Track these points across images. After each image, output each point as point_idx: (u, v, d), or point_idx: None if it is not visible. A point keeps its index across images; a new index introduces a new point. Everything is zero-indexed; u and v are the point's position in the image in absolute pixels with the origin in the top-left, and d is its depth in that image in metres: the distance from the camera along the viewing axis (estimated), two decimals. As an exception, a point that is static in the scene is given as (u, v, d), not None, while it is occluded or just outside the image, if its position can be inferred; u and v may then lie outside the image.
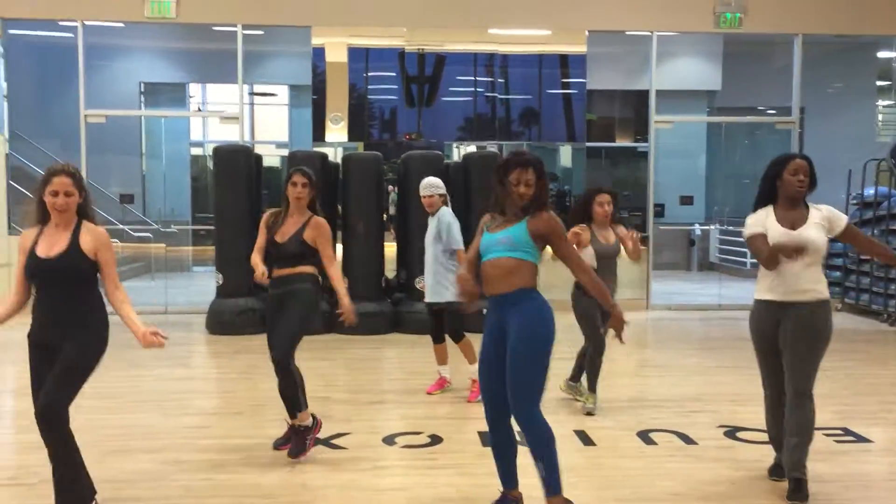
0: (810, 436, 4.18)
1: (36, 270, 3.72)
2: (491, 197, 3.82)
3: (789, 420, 4.18)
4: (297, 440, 4.78)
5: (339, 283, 4.85)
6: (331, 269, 4.82)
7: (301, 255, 4.75)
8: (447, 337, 6.32)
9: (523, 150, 3.84)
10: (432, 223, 6.22)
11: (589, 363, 5.85)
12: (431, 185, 6.27)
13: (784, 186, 4.25)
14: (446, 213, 6.20)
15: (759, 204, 4.38)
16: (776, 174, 4.27)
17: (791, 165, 4.24)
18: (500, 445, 3.84)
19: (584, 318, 5.73)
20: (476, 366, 6.03)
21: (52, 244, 3.72)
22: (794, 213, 4.25)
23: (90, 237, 3.76)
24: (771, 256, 4.10)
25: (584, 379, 5.96)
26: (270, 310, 4.87)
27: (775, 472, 4.44)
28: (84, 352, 3.74)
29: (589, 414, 5.72)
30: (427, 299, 6.31)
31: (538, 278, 3.74)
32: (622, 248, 5.86)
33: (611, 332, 4.54)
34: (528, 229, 3.67)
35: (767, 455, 4.94)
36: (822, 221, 4.21)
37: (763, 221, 4.29)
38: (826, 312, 4.22)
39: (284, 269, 4.78)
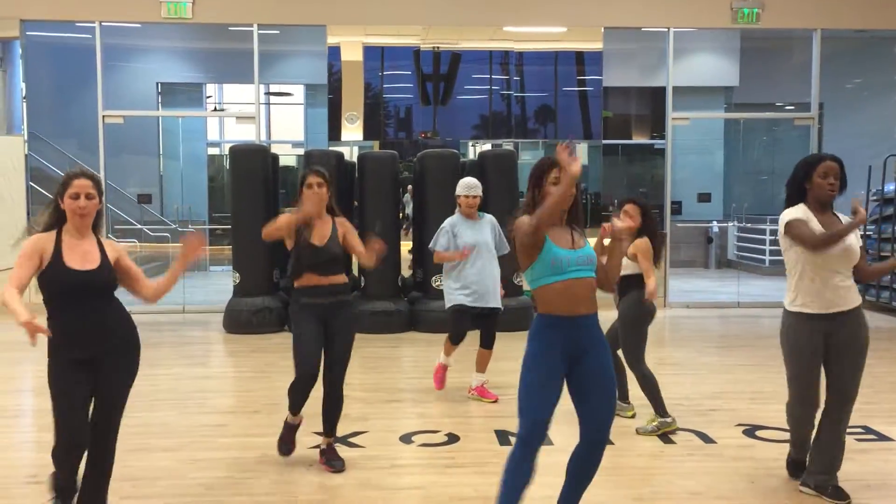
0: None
1: (71, 283, 3.48)
2: (526, 200, 3.57)
3: (834, 427, 4.11)
4: (335, 454, 4.70)
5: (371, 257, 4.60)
6: (363, 259, 4.65)
7: (344, 259, 4.62)
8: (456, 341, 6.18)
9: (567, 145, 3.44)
10: (480, 227, 6.02)
11: (643, 386, 5.32)
12: (475, 184, 6.04)
13: (813, 189, 4.03)
14: (492, 217, 6.16)
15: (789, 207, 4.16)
16: (805, 176, 4.05)
17: (821, 168, 4.01)
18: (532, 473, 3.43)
19: (644, 322, 5.27)
20: (483, 376, 6.13)
21: (83, 255, 3.53)
22: (825, 217, 4.04)
23: (109, 248, 3.67)
24: (829, 238, 3.86)
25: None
26: (314, 319, 4.51)
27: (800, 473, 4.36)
28: (130, 377, 3.76)
29: (650, 433, 5.28)
30: (488, 305, 5.99)
31: None
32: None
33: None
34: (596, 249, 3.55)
35: (786, 453, 4.90)
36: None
37: (804, 212, 4.05)
38: (864, 317, 4.15)
39: (330, 276, 4.53)
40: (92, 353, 3.56)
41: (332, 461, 4.62)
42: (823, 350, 4.06)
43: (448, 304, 6.12)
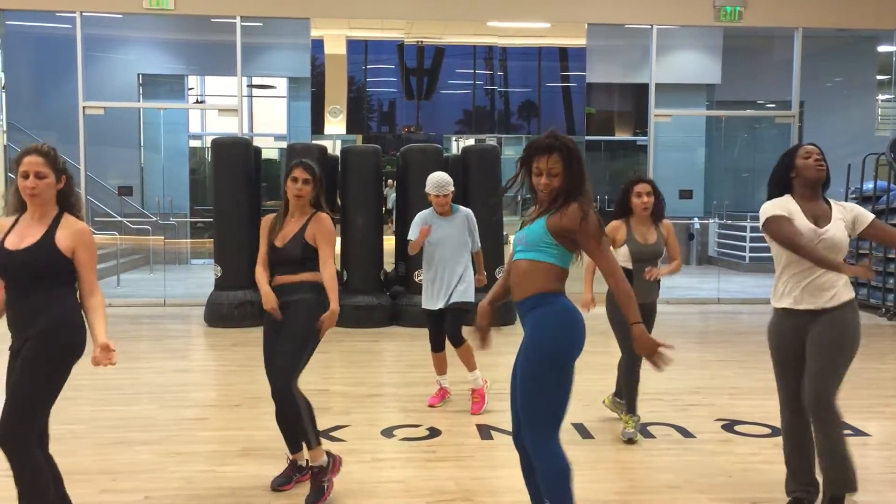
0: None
1: (3, 264, 3.23)
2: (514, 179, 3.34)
3: (818, 437, 3.76)
4: (314, 484, 4.07)
5: (331, 289, 4.08)
6: (323, 271, 4.09)
7: (302, 261, 4.09)
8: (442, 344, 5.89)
9: (551, 132, 3.23)
10: (453, 222, 5.72)
11: (624, 378, 5.09)
12: (445, 182, 5.67)
13: (799, 173, 3.74)
14: (469, 211, 5.83)
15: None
16: (788, 164, 3.78)
17: (802, 150, 3.78)
18: (525, 466, 3.30)
19: (619, 323, 4.85)
20: (477, 373, 5.79)
21: (24, 235, 3.23)
22: (815, 206, 3.74)
23: (68, 232, 3.26)
24: (819, 259, 3.57)
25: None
26: (268, 325, 4.18)
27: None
28: (36, 365, 3.20)
29: (630, 441, 4.98)
30: (455, 300, 5.66)
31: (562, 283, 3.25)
32: (665, 248, 5.08)
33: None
34: (547, 225, 3.15)
35: (763, 447, 4.96)
36: (843, 219, 3.74)
37: (786, 206, 3.74)
38: (852, 315, 3.75)
39: (284, 276, 4.13)
40: (14, 343, 3.27)
41: (309, 495, 4.07)
42: (800, 351, 3.78)
43: None
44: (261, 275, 4.19)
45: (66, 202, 3.34)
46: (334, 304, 4.07)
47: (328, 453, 4.16)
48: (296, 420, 4.05)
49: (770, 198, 3.83)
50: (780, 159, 3.88)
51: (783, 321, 3.82)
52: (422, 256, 5.89)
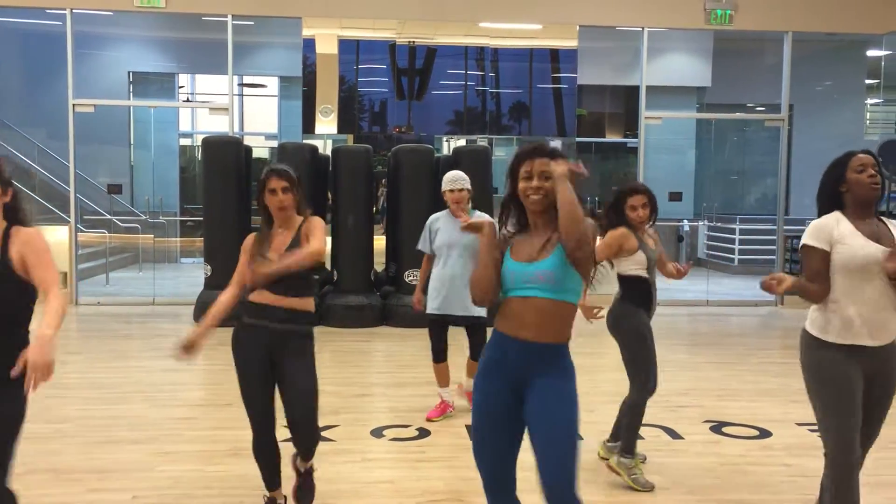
0: None
1: None
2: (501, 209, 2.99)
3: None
4: (307, 484, 3.98)
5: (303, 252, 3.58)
6: (313, 243, 3.61)
7: (303, 277, 3.65)
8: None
9: (539, 143, 2.94)
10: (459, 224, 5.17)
11: (629, 413, 4.48)
12: (459, 177, 5.33)
13: (852, 189, 3.22)
14: (492, 220, 5.32)
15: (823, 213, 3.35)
16: (838, 177, 3.26)
17: (854, 162, 3.23)
18: None
19: (648, 340, 4.45)
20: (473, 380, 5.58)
21: None
22: (868, 226, 3.21)
23: (18, 245, 2.78)
24: (817, 291, 3.19)
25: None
26: (261, 348, 3.71)
27: None
28: (15, 421, 2.83)
29: (650, 488, 4.35)
30: (457, 313, 5.35)
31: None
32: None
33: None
34: (568, 253, 2.74)
35: (751, 449, 4.99)
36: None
37: (831, 232, 3.21)
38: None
39: (286, 296, 3.65)
40: None
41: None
42: (859, 390, 3.22)
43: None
44: (226, 296, 3.77)
45: (15, 217, 2.87)
46: (279, 266, 3.56)
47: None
48: (315, 444, 3.88)
49: (820, 214, 3.33)
50: (829, 169, 3.35)
51: (842, 358, 3.23)
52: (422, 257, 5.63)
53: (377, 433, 5.27)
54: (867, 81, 13.95)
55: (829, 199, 3.30)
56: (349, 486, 4.32)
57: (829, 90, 15.53)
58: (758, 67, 14.31)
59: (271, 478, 3.86)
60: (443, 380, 5.65)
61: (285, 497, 3.93)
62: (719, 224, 15.27)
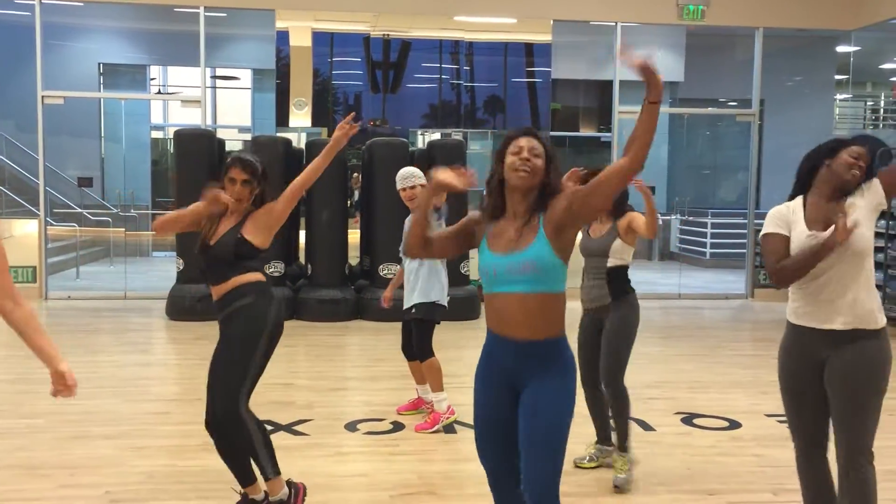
0: None
1: None
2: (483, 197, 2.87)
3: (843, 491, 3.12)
4: None
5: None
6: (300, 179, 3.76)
7: (237, 261, 3.60)
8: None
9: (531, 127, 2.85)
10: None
11: (615, 406, 4.43)
12: (412, 175, 5.24)
13: (834, 171, 3.11)
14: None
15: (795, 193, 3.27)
16: (827, 156, 3.15)
17: (847, 152, 3.12)
18: None
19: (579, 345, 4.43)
20: (442, 395, 5.19)
21: None
22: (833, 207, 3.09)
23: None
24: (793, 267, 3.06)
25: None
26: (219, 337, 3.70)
27: None
28: None
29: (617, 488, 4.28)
30: (414, 300, 5.19)
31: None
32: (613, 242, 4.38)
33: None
34: (548, 237, 2.66)
35: (721, 440, 5.06)
36: (867, 205, 3.10)
37: (787, 217, 3.18)
38: (881, 343, 3.09)
39: (218, 284, 3.63)
40: None
41: None
42: (813, 377, 3.16)
43: None
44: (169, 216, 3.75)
45: None
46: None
47: (289, 483, 3.78)
48: (246, 448, 3.60)
49: (791, 194, 3.28)
50: (816, 152, 3.24)
51: (797, 340, 3.23)
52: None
53: (351, 427, 5.28)
54: (836, 77, 14.12)
55: (802, 181, 3.23)
56: (323, 480, 4.32)
57: (800, 85, 15.71)
58: (729, 63, 14.44)
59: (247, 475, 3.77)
60: (418, 378, 5.49)
61: (265, 493, 3.77)
62: (691, 218, 15.42)
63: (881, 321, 3.11)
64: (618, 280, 4.41)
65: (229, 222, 3.69)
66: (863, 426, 3.07)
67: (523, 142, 2.73)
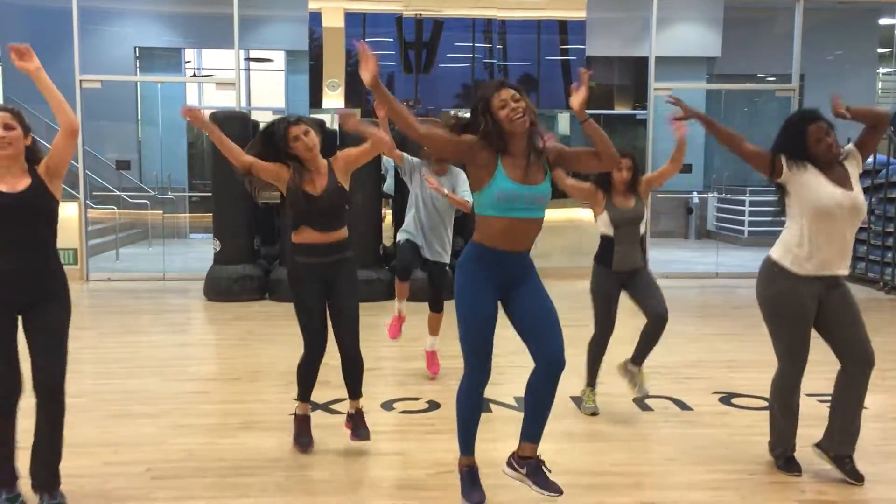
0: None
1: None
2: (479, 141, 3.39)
3: (853, 392, 4.01)
4: (363, 423, 4.44)
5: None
6: (375, 148, 4.43)
7: (342, 211, 4.25)
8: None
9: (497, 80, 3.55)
10: (445, 181, 5.69)
11: (591, 351, 5.12)
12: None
13: (811, 152, 3.91)
14: (461, 171, 5.64)
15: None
16: (798, 138, 3.94)
17: (811, 133, 3.89)
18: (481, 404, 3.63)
19: (601, 297, 5.02)
20: (436, 338, 5.99)
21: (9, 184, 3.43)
22: (833, 174, 3.87)
23: (41, 167, 3.54)
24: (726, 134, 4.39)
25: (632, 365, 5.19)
26: (315, 282, 4.21)
27: (791, 465, 4.16)
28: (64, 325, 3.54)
29: (593, 414, 5.08)
30: (434, 258, 5.86)
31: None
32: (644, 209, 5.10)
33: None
34: (552, 172, 3.50)
35: (760, 420, 4.99)
36: (855, 171, 3.93)
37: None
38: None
39: (329, 231, 4.18)
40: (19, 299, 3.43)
41: (358, 430, 4.39)
42: (812, 317, 3.96)
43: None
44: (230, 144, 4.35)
45: (35, 159, 3.55)
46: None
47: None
48: (360, 370, 4.43)
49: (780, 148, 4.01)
50: (783, 131, 4.01)
51: (801, 287, 3.92)
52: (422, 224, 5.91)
53: (387, 406, 5.31)
54: (879, 50, 13.80)
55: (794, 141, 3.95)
56: (359, 459, 4.35)
57: (841, 59, 15.36)
58: (768, 37, 14.17)
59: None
60: (399, 296, 6.03)
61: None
62: (729, 196, 15.21)
63: None
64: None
65: (319, 176, 4.16)
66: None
67: (504, 94, 3.31)
